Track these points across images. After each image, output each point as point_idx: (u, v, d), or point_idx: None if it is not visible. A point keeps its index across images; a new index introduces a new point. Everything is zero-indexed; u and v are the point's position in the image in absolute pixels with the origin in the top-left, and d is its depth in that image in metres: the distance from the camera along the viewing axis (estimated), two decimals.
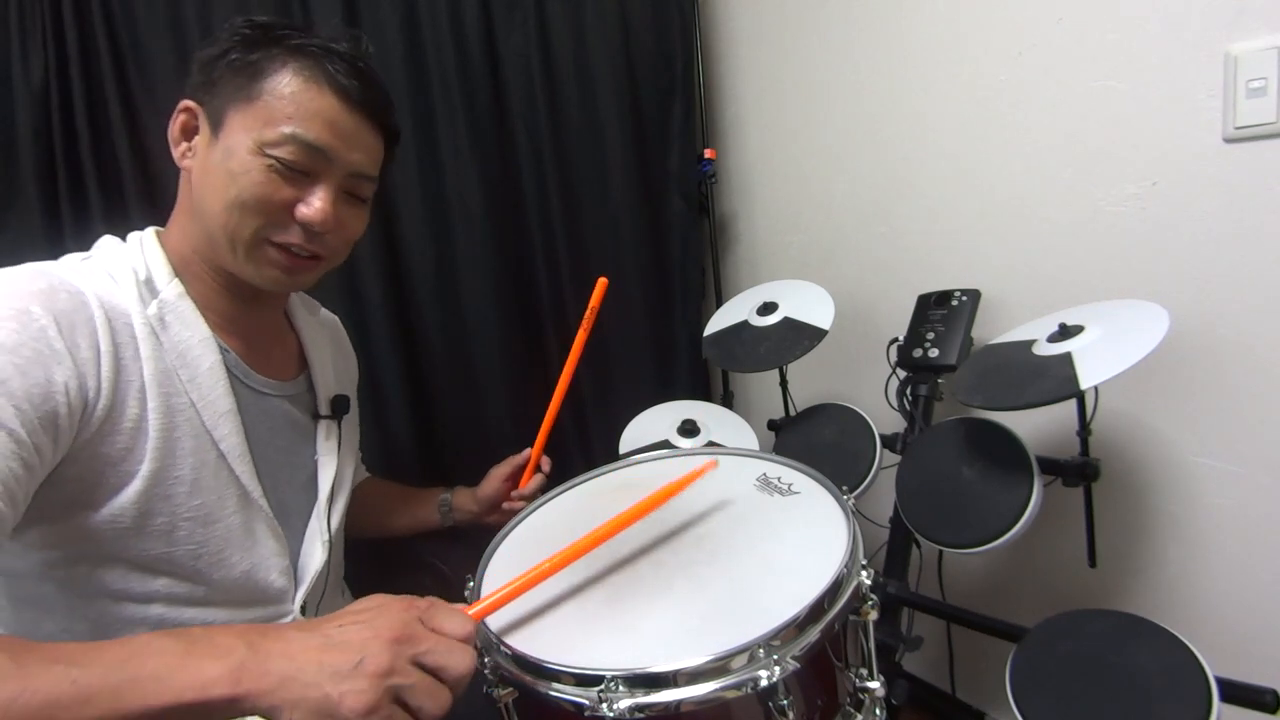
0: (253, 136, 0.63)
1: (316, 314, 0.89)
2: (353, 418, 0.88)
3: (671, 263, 1.47)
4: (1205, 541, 0.94)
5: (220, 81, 0.65)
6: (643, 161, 1.41)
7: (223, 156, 0.64)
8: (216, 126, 0.65)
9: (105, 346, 0.58)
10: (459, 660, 0.48)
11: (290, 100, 0.63)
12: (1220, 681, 0.63)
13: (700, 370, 1.51)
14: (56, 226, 1.06)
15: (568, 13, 1.32)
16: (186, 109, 0.67)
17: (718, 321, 1.21)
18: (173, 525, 0.62)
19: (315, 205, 0.65)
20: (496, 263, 1.31)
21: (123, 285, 0.62)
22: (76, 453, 0.57)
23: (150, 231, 0.69)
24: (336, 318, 0.94)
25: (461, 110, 1.25)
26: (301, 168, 0.64)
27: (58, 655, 0.41)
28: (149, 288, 0.64)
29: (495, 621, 0.56)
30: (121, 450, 0.59)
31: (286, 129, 0.63)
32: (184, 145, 0.67)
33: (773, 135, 1.45)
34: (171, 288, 0.65)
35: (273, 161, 0.63)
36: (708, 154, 1.46)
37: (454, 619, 0.51)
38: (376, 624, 0.47)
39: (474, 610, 0.54)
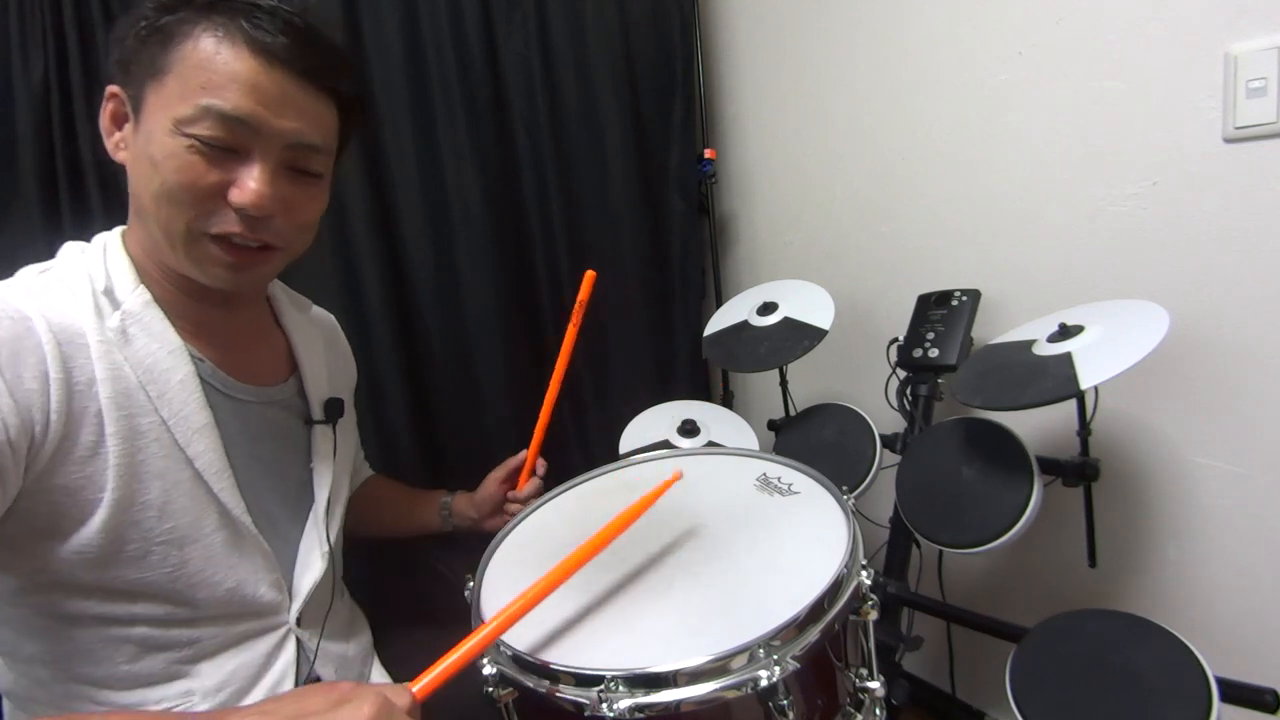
0: (169, 115, 0.55)
1: (306, 312, 0.83)
2: (349, 421, 0.83)
3: (671, 263, 1.47)
4: (1205, 541, 0.94)
5: (133, 57, 0.57)
6: (643, 161, 1.41)
7: (144, 143, 0.56)
8: (137, 110, 0.57)
9: (55, 374, 0.52)
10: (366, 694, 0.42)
11: (203, 67, 0.55)
12: (1220, 681, 0.63)
13: (700, 370, 1.51)
14: (56, 226, 1.06)
15: (568, 13, 1.32)
16: (113, 95, 0.59)
17: (718, 321, 1.21)
18: (145, 551, 0.58)
19: (248, 187, 0.57)
20: (496, 263, 1.31)
21: (79, 298, 0.56)
22: (29, 486, 0.52)
23: (116, 233, 0.62)
24: (332, 317, 0.90)
25: (461, 110, 1.25)
26: (225, 144, 0.56)
27: None
28: (109, 298, 0.58)
29: None
30: (79, 480, 0.54)
31: (201, 101, 0.54)
32: (116, 136, 0.60)
33: (773, 135, 1.45)
34: (136, 296, 0.59)
35: (192, 141, 0.55)
36: (708, 154, 1.46)
37: (391, 689, 0.44)
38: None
39: (418, 687, 0.46)
